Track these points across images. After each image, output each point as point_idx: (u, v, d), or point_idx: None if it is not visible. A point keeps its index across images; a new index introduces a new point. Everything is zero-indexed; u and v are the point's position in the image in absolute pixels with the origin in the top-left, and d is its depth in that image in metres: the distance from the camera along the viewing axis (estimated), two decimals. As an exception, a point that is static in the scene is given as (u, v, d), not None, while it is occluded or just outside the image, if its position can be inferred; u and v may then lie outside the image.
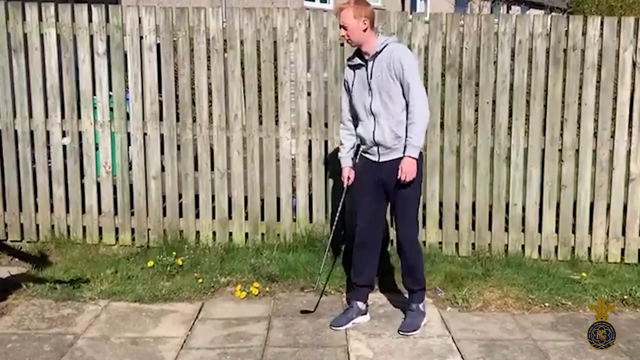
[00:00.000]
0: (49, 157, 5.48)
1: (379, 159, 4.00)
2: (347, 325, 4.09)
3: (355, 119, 4.11)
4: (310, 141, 5.36)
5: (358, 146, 4.18)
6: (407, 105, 3.89)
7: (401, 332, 4.02)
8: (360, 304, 4.20)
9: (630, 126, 5.19)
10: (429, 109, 3.96)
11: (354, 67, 4.03)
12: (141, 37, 5.30)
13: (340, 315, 4.18)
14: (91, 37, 5.32)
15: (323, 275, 4.65)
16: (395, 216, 4.11)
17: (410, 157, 3.86)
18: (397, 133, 3.91)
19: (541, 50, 5.16)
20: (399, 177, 3.87)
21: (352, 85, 4.05)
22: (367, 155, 4.08)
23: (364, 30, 3.89)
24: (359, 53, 3.99)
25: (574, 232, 5.30)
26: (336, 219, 4.50)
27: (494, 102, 5.23)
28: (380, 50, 3.90)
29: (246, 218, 5.45)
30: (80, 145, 5.44)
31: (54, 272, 4.82)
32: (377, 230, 4.15)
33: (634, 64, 5.12)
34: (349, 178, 4.20)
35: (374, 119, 3.95)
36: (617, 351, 3.81)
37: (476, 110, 5.28)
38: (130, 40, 5.31)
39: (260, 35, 5.26)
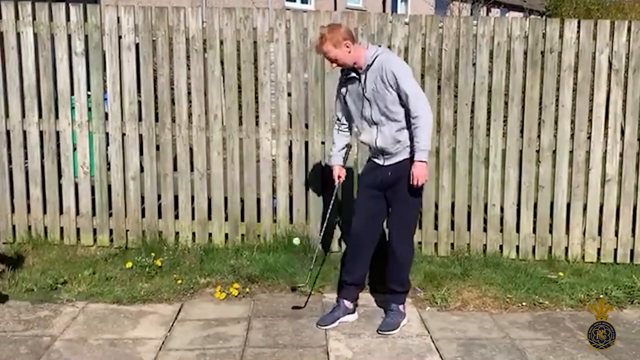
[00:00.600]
0: (25, 158, 5.41)
1: (384, 162, 4.07)
2: (334, 324, 4.12)
3: (355, 126, 4.21)
4: (290, 142, 5.35)
5: (348, 146, 4.28)
6: (407, 111, 3.94)
7: (380, 332, 4.05)
8: (348, 303, 4.22)
9: (606, 128, 5.27)
10: (431, 110, 4.01)
11: (348, 81, 4.09)
12: (120, 37, 5.26)
13: (327, 314, 4.20)
14: (69, 36, 5.27)
15: (314, 271, 4.64)
16: (393, 218, 4.12)
17: (420, 161, 3.91)
18: (398, 138, 3.98)
19: (519, 52, 5.22)
20: (410, 181, 3.93)
21: (348, 97, 4.12)
22: (374, 159, 4.16)
23: (350, 52, 3.96)
24: (352, 67, 4.04)
25: (551, 232, 5.37)
26: (327, 217, 4.52)
27: (472, 103, 5.28)
28: (371, 63, 3.95)
29: (226, 219, 5.43)
30: (58, 146, 5.38)
31: (31, 274, 4.76)
32: (372, 231, 4.16)
33: (610, 66, 5.20)
34: (339, 177, 4.27)
35: (376, 127, 4.02)
36: (593, 349, 3.87)
37: (455, 111, 5.32)
38: (109, 40, 5.26)
39: (240, 35, 5.24)
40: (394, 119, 3.96)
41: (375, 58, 3.94)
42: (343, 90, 4.15)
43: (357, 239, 4.16)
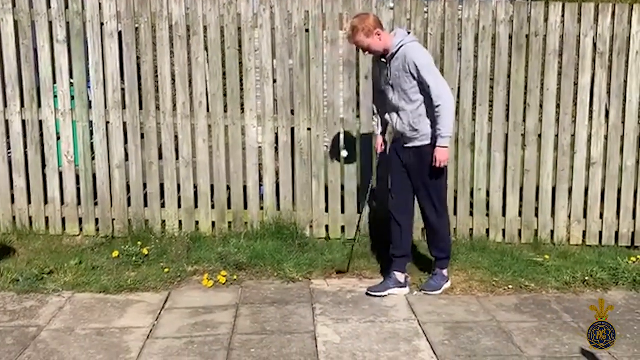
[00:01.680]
0: (8, 147, 5.35)
1: (404, 144, 4.32)
2: (384, 293, 4.35)
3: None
4: (277, 128, 5.33)
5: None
6: (428, 100, 4.13)
7: (424, 291, 4.39)
8: (399, 275, 4.42)
9: (591, 111, 5.29)
10: (452, 97, 4.21)
11: (379, 64, 4.32)
12: (102, 24, 5.20)
13: (379, 284, 4.40)
14: (50, 23, 5.20)
15: (362, 227, 5.09)
16: (422, 194, 4.36)
17: (441, 147, 4.15)
18: (415, 126, 4.20)
19: (504, 36, 5.21)
20: (432, 163, 4.18)
21: (379, 78, 4.39)
22: (397, 140, 4.42)
23: (380, 40, 4.16)
24: (382, 53, 4.24)
25: (537, 215, 5.40)
26: (368, 194, 4.90)
27: (458, 88, 5.28)
28: (396, 52, 4.13)
29: (213, 207, 5.41)
30: (41, 135, 5.32)
31: (16, 264, 4.73)
32: (408, 202, 4.42)
33: (595, 49, 5.21)
34: (381, 145, 4.62)
35: (396, 112, 4.27)
36: (578, 330, 3.91)
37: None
38: (91, 27, 5.20)
39: (224, 21, 5.20)
40: (413, 108, 4.18)
41: (400, 47, 4.13)
42: (376, 71, 4.45)
43: (395, 212, 4.42)
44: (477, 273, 4.71)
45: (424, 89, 4.12)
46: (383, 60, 4.24)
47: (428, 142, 4.21)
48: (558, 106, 5.32)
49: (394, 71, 4.18)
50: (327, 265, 4.82)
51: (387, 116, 4.40)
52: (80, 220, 5.41)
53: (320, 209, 5.37)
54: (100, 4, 5.16)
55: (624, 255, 4.99)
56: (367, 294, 4.35)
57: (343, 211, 5.40)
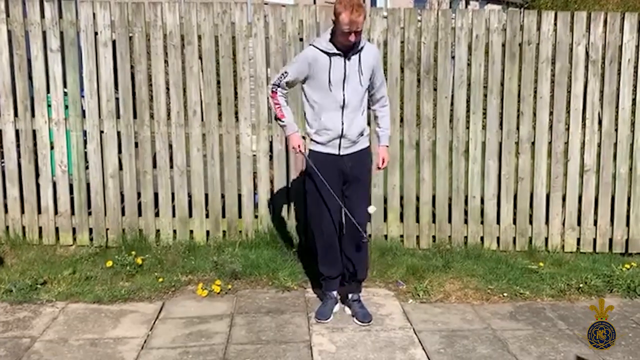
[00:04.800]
0: (2, 157, 5.33)
1: (339, 152, 3.95)
2: (331, 316, 4.15)
3: (311, 107, 3.97)
4: (271, 137, 5.33)
5: None
6: (371, 98, 4.06)
7: (365, 322, 4.08)
8: (335, 294, 4.27)
9: (584, 118, 5.32)
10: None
11: (330, 55, 3.83)
12: (96, 33, 5.20)
13: (323, 308, 4.19)
14: (44, 33, 5.19)
15: None
16: (353, 205, 3.99)
17: (387, 146, 4.14)
18: (362, 127, 3.97)
19: (497, 44, 5.24)
20: (368, 167, 4.06)
21: (324, 73, 3.84)
22: (322, 149, 3.96)
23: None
24: (338, 45, 3.82)
25: (531, 223, 5.41)
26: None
27: (452, 96, 5.30)
28: (363, 46, 3.88)
29: (207, 216, 5.40)
30: (35, 144, 5.30)
31: (10, 275, 4.69)
32: (338, 223, 4.06)
33: (587, 58, 5.25)
34: (299, 145, 4.00)
35: (345, 111, 3.87)
36: (574, 338, 3.91)
37: (435, 104, 5.33)
38: (85, 37, 5.20)
39: (218, 30, 5.21)
40: (362, 106, 3.96)
41: (365, 42, 3.91)
42: (322, 63, 3.84)
43: (333, 238, 4.05)
44: (472, 281, 4.71)
45: (372, 86, 3.98)
46: (339, 53, 3.81)
47: (368, 144, 4.07)
48: (551, 114, 5.35)
49: (355, 66, 3.83)
50: (322, 273, 4.81)
51: (324, 121, 3.89)
52: (74, 229, 5.39)
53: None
54: (94, 13, 5.16)
55: (617, 262, 5.01)
56: (316, 319, 4.11)
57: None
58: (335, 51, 3.82)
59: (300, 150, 4.01)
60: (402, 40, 5.23)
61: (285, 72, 3.94)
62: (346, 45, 3.78)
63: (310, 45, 3.97)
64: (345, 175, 3.99)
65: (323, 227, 4.04)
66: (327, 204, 3.97)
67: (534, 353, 3.72)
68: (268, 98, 4.03)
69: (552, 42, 5.25)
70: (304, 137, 4.15)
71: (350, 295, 4.24)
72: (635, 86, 5.33)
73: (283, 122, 4.00)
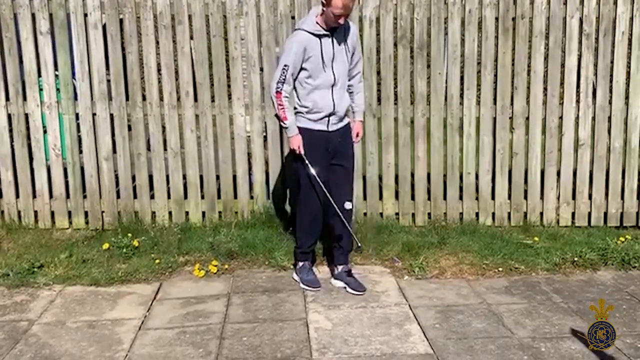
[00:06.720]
0: (-6, 142, 5.31)
1: (328, 128, 4.10)
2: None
3: (303, 88, 4.04)
4: (265, 117, 5.31)
5: None
6: (349, 74, 4.16)
7: (358, 291, 4.19)
8: (309, 263, 4.45)
9: (578, 93, 5.30)
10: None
11: (320, 37, 3.96)
12: (85, 15, 5.15)
13: (309, 276, 4.34)
14: (33, 15, 5.14)
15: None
16: (342, 181, 4.18)
17: (361, 121, 4.31)
18: (348, 102, 4.19)
19: (490, 19, 5.20)
20: (352, 140, 4.24)
21: (317, 54, 3.94)
22: (312, 126, 4.07)
23: None
24: (323, 26, 3.95)
25: (526, 198, 5.42)
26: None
27: (446, 72, 5.27)
28: (344, 24, 4.00)
29: (202, 197, 5.40)
30: (27, 128, 5.28)
31: (6, 259, 4.70)
32: (324, 198, 4.14)
33: (581, 31, 5.21)
34: (299, 147, 4.09)
35: (335, 88, 4.05)
36: (568, 311, 3.94)
37: (428, 81, 5.30)
38: (75, 18, 5.15)
39: (208, 9, 5.16)
40: (346, 82, 4.15)
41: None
42: (313, 46, 3.94)
43: (319, 212, 4.19)
44: (467, 256, 4.73)
45: (354, 62, 4.16)
46: (326, 32, 3.94)
47: (349, 118, 4.26)
48: (545, 88, 5.33)
49: (342, 45, 4.02)
50: (318, 252, 4.83)
51: (316, 100, 4.00)
52: (70, 213, 5.39)
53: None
54: (83, -6, 5.11)
55: (612, 236, 5.02)
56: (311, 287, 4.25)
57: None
58: (323, 32, 3.97)
59: (300, 152, 4.09)
60: (394, 16, 5.19)
61: (286, 66, 3.97)
62: (334, 26, 3.93)
63: (299, 29, 4.03)
64: (334, 150, 4.13)
65: (312, 200, 4.16)
66: (315, 188, 4.10)
67: (529, 326, 3.75)
68: (272, 97, 4.05)
69: (546, 16, 5.21)
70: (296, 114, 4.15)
71: (340, 267, 4.35)
72: (629, 59, 5.30)
73: (286, 124, 4.07)
